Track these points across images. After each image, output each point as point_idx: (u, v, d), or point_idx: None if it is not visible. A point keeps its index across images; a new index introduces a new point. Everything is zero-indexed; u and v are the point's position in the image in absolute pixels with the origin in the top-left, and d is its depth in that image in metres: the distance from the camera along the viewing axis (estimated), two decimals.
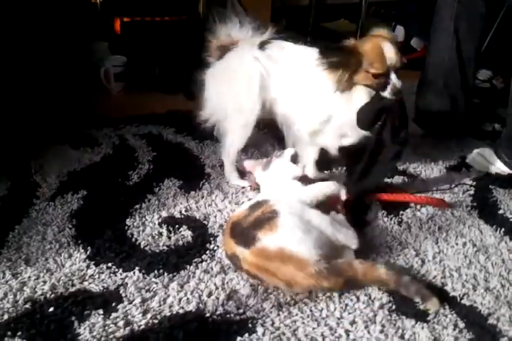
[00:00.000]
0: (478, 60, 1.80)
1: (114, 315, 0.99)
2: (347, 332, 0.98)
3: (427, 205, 1.39)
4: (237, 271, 1.12)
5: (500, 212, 1.41)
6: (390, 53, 1.27)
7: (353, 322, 1.00)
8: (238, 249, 1.07)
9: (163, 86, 2.19)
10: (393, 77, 1.30)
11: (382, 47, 1.26)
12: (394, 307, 1.04)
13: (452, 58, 1.74)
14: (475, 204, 1.43)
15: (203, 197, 1.40)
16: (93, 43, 2.34)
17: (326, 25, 3.33)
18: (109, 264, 1.12)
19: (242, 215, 1.12)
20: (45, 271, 1.09)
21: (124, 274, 1.09)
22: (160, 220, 1.28)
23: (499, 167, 1.60)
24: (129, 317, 0.99)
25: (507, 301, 1.08)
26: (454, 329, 0.99)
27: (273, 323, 0.99)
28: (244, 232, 1.08)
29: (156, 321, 0.98)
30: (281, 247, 1.03)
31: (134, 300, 1.02)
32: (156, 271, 1.10)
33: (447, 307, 1.05)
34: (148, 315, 0.99)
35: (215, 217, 1.31)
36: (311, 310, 1.02)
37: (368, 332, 0.98)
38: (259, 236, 1.05)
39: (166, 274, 1.10)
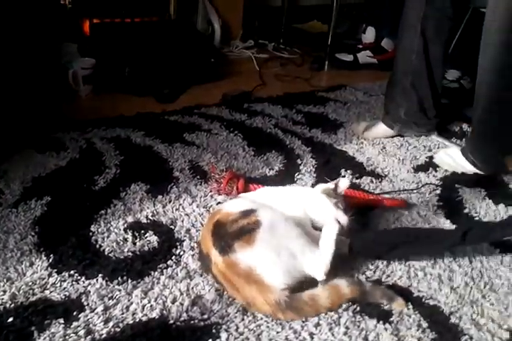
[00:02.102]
0: (446, 61, 1.82)
1: (75, 324, 0.97)
2: (311, 334, 0.98)
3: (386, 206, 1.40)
4: (203, 273, 1.11)
5: (466, 211, 1.42)
6: None
7: (317, 325, 0.99)
8: (213, 251, 1.06)
9: (134, 88, 2.17)
10: None
11: None
12: (358, 308, 1.04)
13: (420, 59, 1.76)
14: (441, 203, 1.45)
15: (170, 201, 1.38)
16: (62, 45, 2.30)
17: (299, 26, 3.34)
18: (72, 272, 1.10)
19: (231, 218, 1.10)
20: (5, 280, 1.06)
21: (87, 282, 1.07)
22: (125, 226, 1.26)
23: (465, 166, 1.62)
24: (91, 325, 0.97)
25: (470, 300, 1.09)
26: (418, 330, 1.00)
27: (237, 328, 0.98)
28: (225, 238, 1.06)
29: (118, 329, 0.96)
30: (251, 267, 1.02)
31: (96, 309, 1.00)
32: (119, 278, 1.09)
33: (411, 307, 1.05)
34: (110, 323, 0.97)
35: (183, 221, 1.30)
36: None
37: (332, 335, 0.98)
38: (236, 247, 1.03)
39: (129, 281, 1.08)
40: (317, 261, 1.07)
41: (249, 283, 1.01)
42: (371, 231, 1.27)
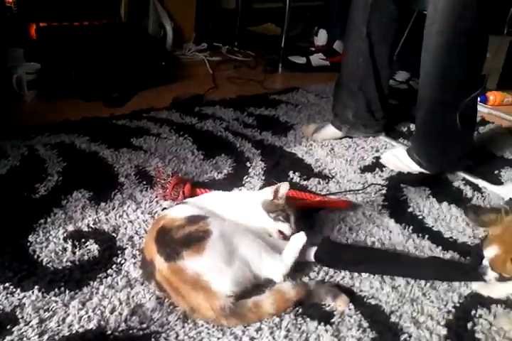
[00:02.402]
0: (392, 63, 1.86)
1: (8, 338, 0.93)
2: (252, 339, 0.97)
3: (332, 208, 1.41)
4: (144, 282, 1.09)
5: (410, 209, 1.45)
6: None
7: (258, 329, 0.99)
8: (158, 257, 1.04)
9: (81, 92, 2.12)
10: None
11: None
12: (300, 310, 1.04)
13: (366, 61, 1.79)
14: (386, 203, 1.47)
15: (113, 208, 1.35)
16: (8, 50, 2.24)
17: (253, 29, 3.35)
18: (7, 284, 1.06)
19: (176, 223, 1.08)
20: None
21: (22, 294, 1.04)
22: (65, 235, 1.23)
23: (411, 166, 1.65)
24: (25, 339, 0.93)
25: (410, 298, 1.11)
26: (358, 330, 1.01)
27: (177, 336, 0.97)
28: (171, 244, 1.04)
29: None
30: (199, 274, 1.01)
31: (30, 322, 0.97)
32: (56, 289, 1.05)
33: (353, 307, 1.06)
34: (45, 336, 0.94)
35: (126, 228, 1.27)
36: None
37: (273, 338, 0.98)
38: (184, 255, 1.02)
39: (67, 292, 1.05)
40: (277, 264, 1.09)
41: (196, 290, 1.00)
42: (338, 244, 1.27)
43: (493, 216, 1.11)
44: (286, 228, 1.20)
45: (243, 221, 1.19)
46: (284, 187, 1.22)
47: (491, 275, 1.09)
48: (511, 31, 1.53)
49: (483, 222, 1.13)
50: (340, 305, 1.06)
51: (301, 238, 1.14)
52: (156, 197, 1.42)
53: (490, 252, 1.08)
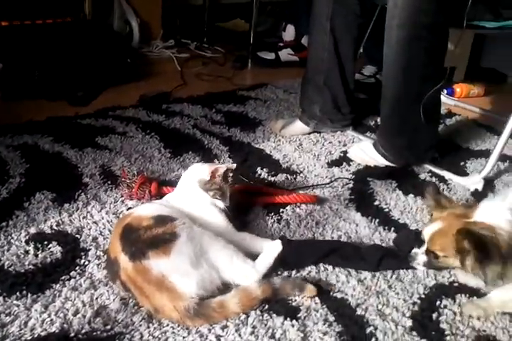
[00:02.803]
0: (356, 57, 1.87)
1: None
2: (218, 337, 0.97)
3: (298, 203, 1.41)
4: (108, 283, 1.07)
5: (376, 203, 1.46)
6: None
7: (224, 327, 0.99)
8: (122, 256, 1.02)
9: (45, 92, 2.08)
10: None
11: None
12: (266, 306, 1.04)
13: (330, 56, 1.79)
14: (353, 197, 1.48)
15: (77, 209, 1.33)
16: None
17: (222, 25, 3.33)
18: None
19: (144, 223, 1.06)
20: None
21: None
22: (27, 237, 1.20)
23: (377, 159, 1.67)
24: None
25: (376, 291, 1.12)
26: (324, 324, 1.01)
27: (142, 337, 0.96)
28: (137, 244, 1.03)
29: None
30: (164, 275, 0.99)
31: None
32: (18, 293, 1.03)
33: (319, 301, 1.06)
34: None
35: (90, 229, 1.25)
36: None
37: (239, 335, 0.97)
38: (150, 255, 1.01)
39: (29, 295, 1.03)
40: (249, 270, 1.08)
41: (161, 290, 0.99)
42: (301, 241, 1.27)
43: (445, 202, 1.13)
44: (221, 204, 1.23)
45: (188, 207, 1.20)
46: (221, 169, 1.24)
47: (420, 260, 1.11)
48: (471, 24, 1.55)
49: (434, 205, 1.15)
50: (308, 295, 1.06)
51: (276, 246, 1.14)
52: (122, 196, 1.40)
53: (431, 228, 1.09)
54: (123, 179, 1.42)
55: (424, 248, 1.11)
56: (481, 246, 0.99)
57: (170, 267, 1.01)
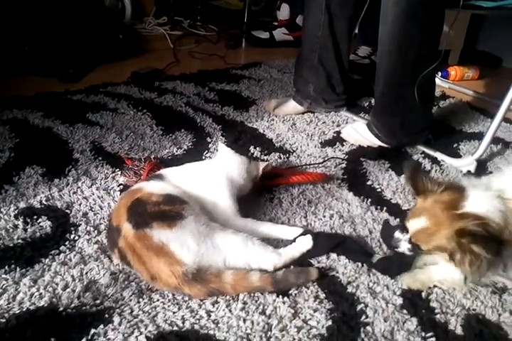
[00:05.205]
0: (351, 36, 1.84)
1: None
2: (208, 312, 0.96)
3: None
4: (99, 258, 1.06)
5: (369, 183, 1.46)
6: None
7: (215, 303, 0.98)
8: (126, 224, 1.01)
9: (35, 68, 2.04)
10: None
11: None
12: None
13: (325, 34, 1.77)
14: (346, 176, 1.48)
15: (68, 185, 1.31)
16: None
17: (216, 3, 3.28)
18: None
19: (153, 199, 1.06)
20: None
21: None
22: (16, 212, 1.19)
23: (371, 140, 1.66)
24: None
25: (367, 269, 1.12)
26: (315, 301, 1.01)
27: (132, 311, 0.95)
28: (143, 215, 1.02)
29: (3, 320, 0.91)
30: (164, 243, 0.99)
31: None
32: (7, 267, 1.02)
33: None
34: None
35: (80, 205, 1.24)
36: (173, 295, 1.00)
37: (230, 311, 0.97)
38: (154, 225, 1.00)
39: (18, 269, 1.02)
40: (270, 255, 1.07)
41: (159, 256, 0.98)
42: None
43: (430, 186, 1.03)
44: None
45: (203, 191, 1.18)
46: (270, 167, 1.30)
47: (403, 246, 1.06)
48: (467, 4, 1.53)
49: (417, 189, 1.05)
50: (312, 275, 1.05)
51: (307, 242, 1.14)
52: (128, 183, 1.34)
53: (417, 223, 1.01)
54: (130, 166, 1.36)
55: (407, 236, 1.04)
56: (482, 246, 0.92)
57: (171, 237, 1.00)
